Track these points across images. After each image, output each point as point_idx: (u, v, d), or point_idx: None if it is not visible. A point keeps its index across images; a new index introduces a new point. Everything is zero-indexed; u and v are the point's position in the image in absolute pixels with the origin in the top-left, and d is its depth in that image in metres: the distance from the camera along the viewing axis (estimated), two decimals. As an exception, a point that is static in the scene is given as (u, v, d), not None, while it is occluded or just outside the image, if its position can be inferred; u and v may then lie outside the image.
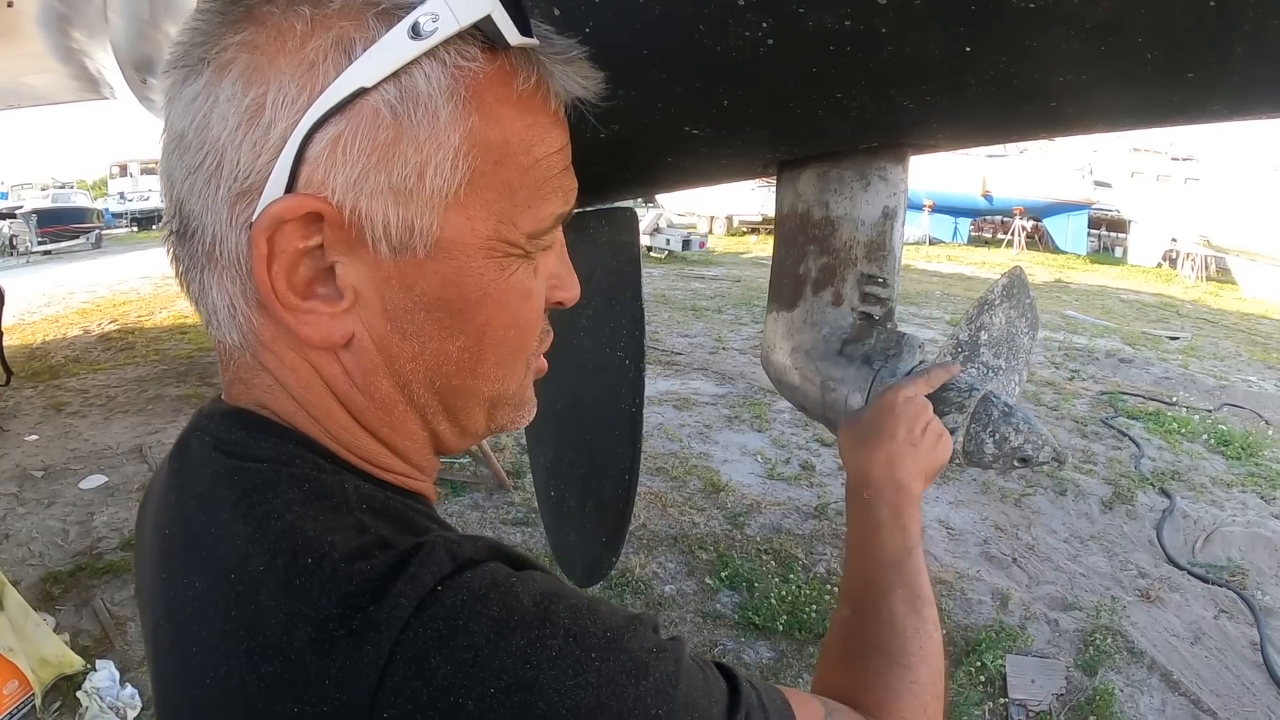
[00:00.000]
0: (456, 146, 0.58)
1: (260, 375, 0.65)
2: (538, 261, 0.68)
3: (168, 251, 0.64)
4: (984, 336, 1.32)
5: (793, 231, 1.39)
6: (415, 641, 0.50)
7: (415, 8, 0.56)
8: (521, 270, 0.65)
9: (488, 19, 0.56)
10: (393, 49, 0.55)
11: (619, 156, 1.39)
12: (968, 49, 0.85)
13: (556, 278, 0.71)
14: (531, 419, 0.76)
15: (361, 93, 0.55)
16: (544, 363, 0.75)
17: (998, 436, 1.19)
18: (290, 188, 0.57)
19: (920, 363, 1.29)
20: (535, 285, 0.68)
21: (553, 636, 0.53)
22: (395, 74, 0.56)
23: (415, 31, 0.55)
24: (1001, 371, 1.35)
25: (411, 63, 0.56)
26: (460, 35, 0.57)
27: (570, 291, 0.73)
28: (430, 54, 0.56)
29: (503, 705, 0.50)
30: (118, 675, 3.72)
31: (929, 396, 1.22)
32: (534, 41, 0.60)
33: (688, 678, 0.58)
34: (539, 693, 0.51)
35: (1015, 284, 1.35)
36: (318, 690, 0.51)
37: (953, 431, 1.21)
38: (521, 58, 0.60)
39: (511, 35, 0.58)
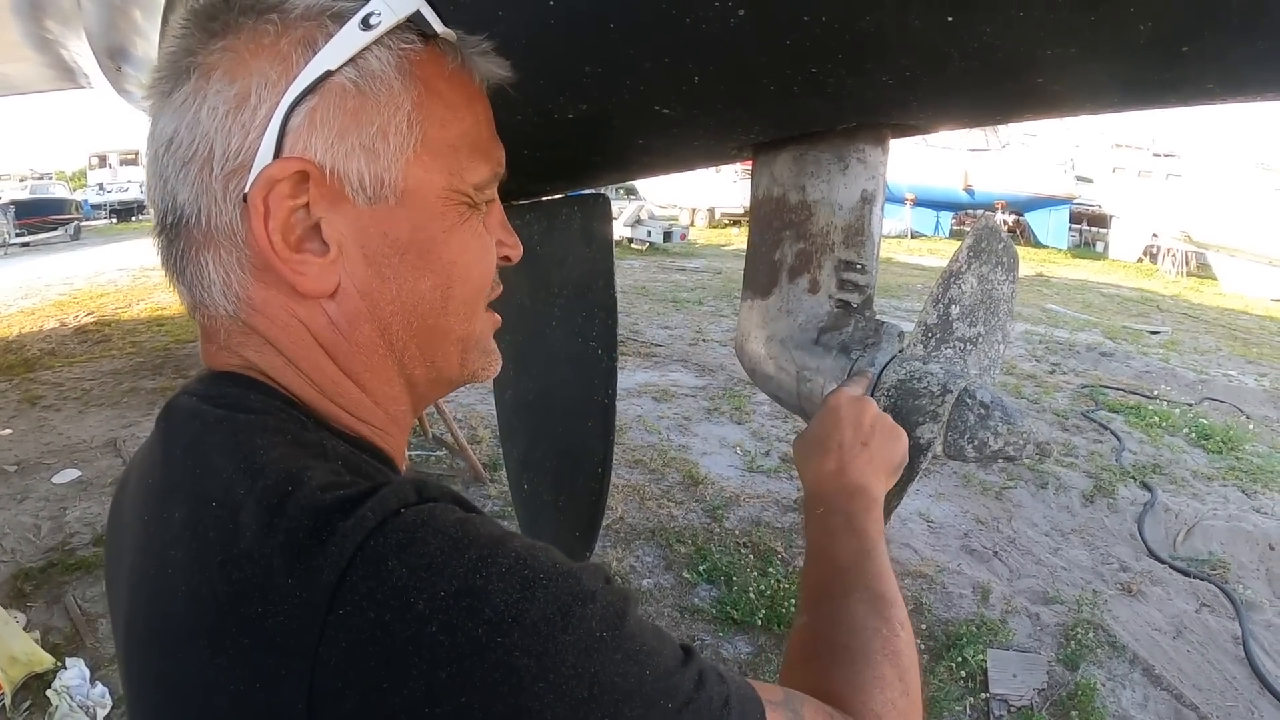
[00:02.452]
0: (410, 111, 0.71)
1: (250, 337, 0.73)
2: (486, 217, 0.80)
3: (159, 249, 0.74)
4: (955, 310, 1.27)
5: (768, 216, 1.35)
6: (375, 548, 0.55)
7: (360, 9, 0.69)
8: (474, 220, 0.78)
9: (417, 14, 0.72)
10: (348, 39, 0.68)
11: (589, 138, 1.35)
12: (949, 19, 0.81)
13: (502, 236, 0.84)
14: (498, 369, 0.87)
15: (328, 74, 0.68)
16: (498, 317, 0.86)
17: (976, 442, 1.16)
18: (277, 158, 0.67)
19: (900, 351, 1.25)
20: (486, 235, 0.80)
21: (504, 556, 0.57)
22: (353, 58, 0.69)
23: (365, 24, 0.69)
24: (981, 339, 1.31)
25: (364, 49, 0.69)
26: (399, 26, 0.71)
27: (515, 249, 0.85)
28: (378, 42, 0.70)
29: (451, 607, 0.54)
30: (88, 674, 3.67)
31: (901, 404, 1.19)
32: (452, 33, 0.75)
33: (636, 620, 0.62)
34: (486, 599, 0.54)
35: (982, 238, 1.30)
36: (281, 590, 0.55)
37: (930, 443, 1.17)
38: (446, 45, 0.76)
39: (436, 25, 0.73)
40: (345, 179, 0.69)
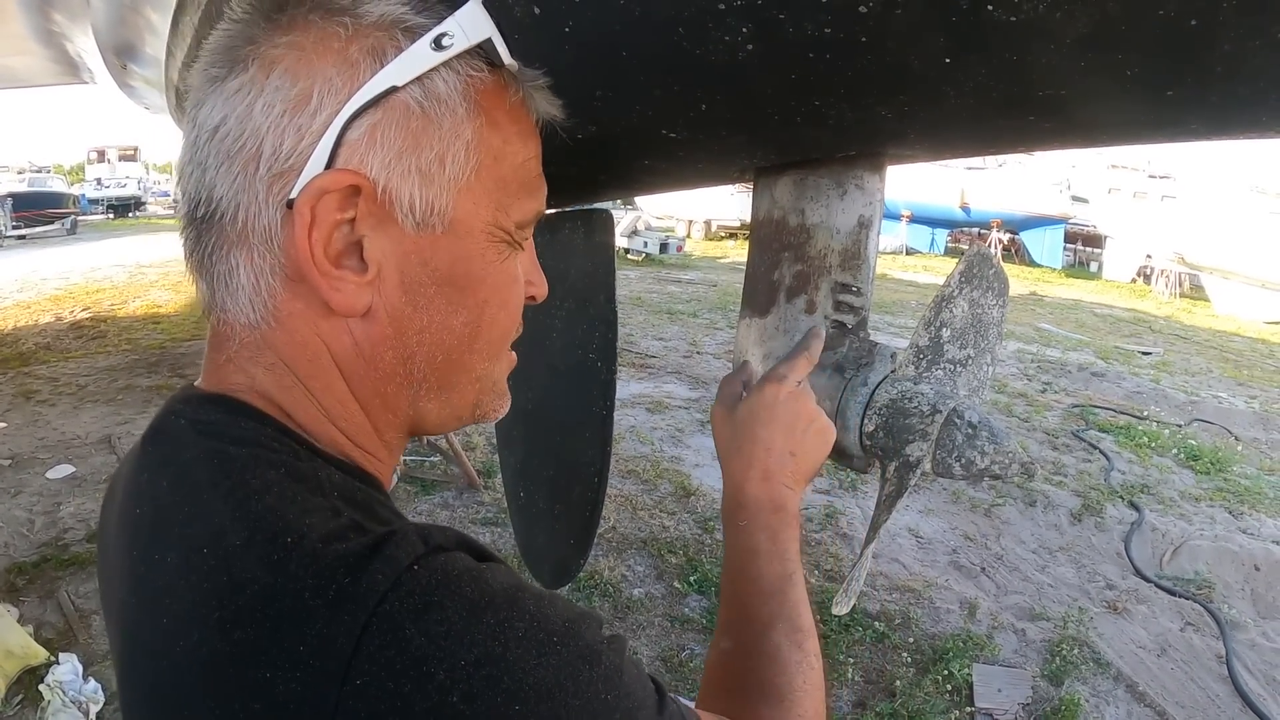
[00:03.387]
0: (469, 140, 0.70)
1: (263, 353, 0.70)
2: (520, 255, 0.79)
3: (185, 240, 0.72)
4: (946, 333, 1.31)
5: (767, 238, 1.38)
6: (391, 613, 0.54)
7: (433, 27, 0.68)
8: (512, 258, 0.77)
9: (489, 41, 0.70)
10: (418, 57, 0.67)
11: (596, 158, 1.38)
12: (947, 60, 0.84)
13: (530, 277, 0.83)
14: (506, 412, 0.85)
15: (393, 90, 0.66)
16: (514, 356, 0.85)
17: (964, 461, 1.19)
18: (329, 167, 0.65)
19: (892, 371, 1.28)
20: (520, 276, 0.80)
21: (520, 619, 0.57)
22: (419, 78, 0.67)
23: (437, 44, 0.67)
24: (971, 360, 1.34)
25: (433, 69, 0.68)
26: (469, 51, 0.69)
27: (541, 289, 0.85)
28: (446, 64, 0.69)
29: (472, 677, 0.53)
30: (81, 669, 3.68)
31: (891, 422, 1.22)
32: (516, 64, 0.74)
33: (629, 670, 0.63)
34: (506, 668, 0.54)
35: (975, 264, 1.33)
36: (292, 657, 0.53)
37: (918, 461, 1.19)
38: (510, 77, 0.74)
39: (505, 57, 0.72)
40: (397, 200, 0.67)
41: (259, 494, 0.61)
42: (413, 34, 0.68)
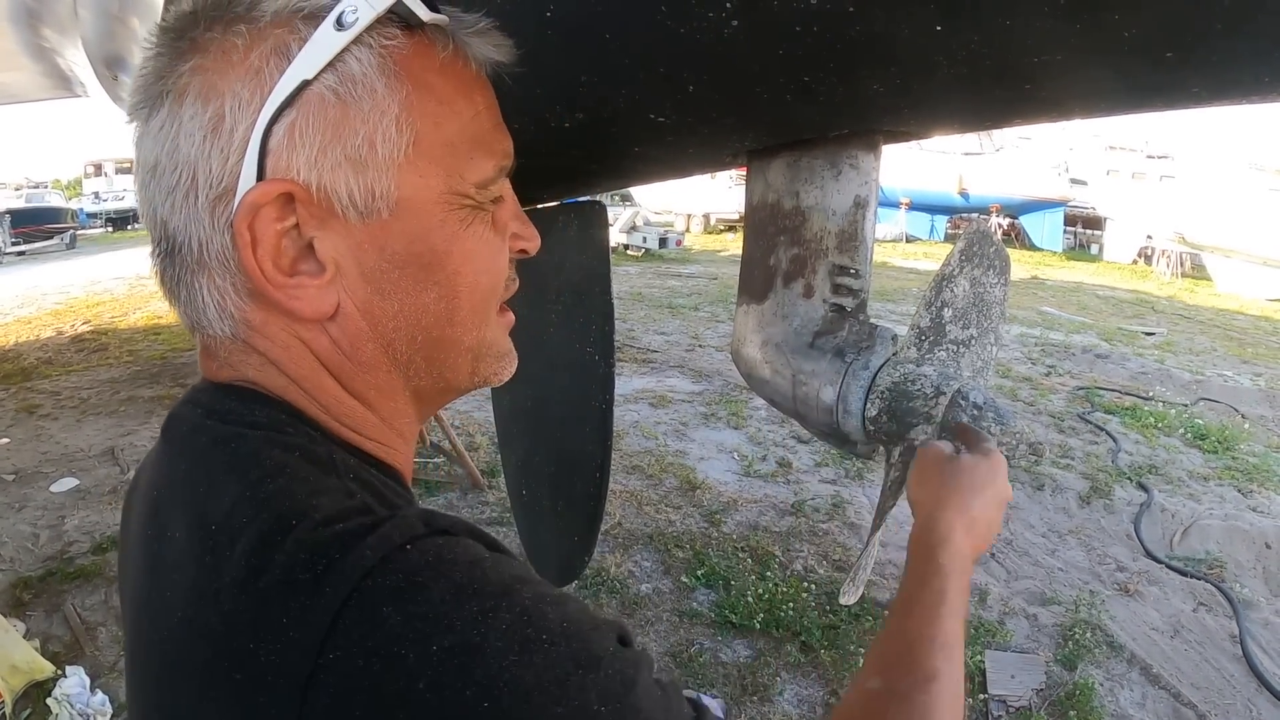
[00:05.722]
0: (397, 114, 0.66)
1: (251, 356, 0.70)
2: (494, 214, 0.75)
3: (155, 272, 0.71)
4: (948, 313, 1.28)
5: (763, 222, 1.36)
6: (372, 590, 0.53)
7: (335, 6, 0.64)
8: (479, 222, 0.73)
9: (398, 2, 0.65)
10: (324, 43, 0.63)
11: (585, 147, 1.37)
12: (938, 27, 0.82)
13: (517, 229, 0.79)
14: (514, 370, 0.83)
15: (305, 84, 0.63)
16: (512, 316, 0.82)
17: None
18: (260, 179, 0.63)
19: (894, 354, 1.26)
20: (495, 236, 0.75)
21: (507, 611, 0.54)
22: (331, 63, 0.63)
23: (340, 23, 0.63)
24: (974, 341, 1.32)
25: (342, 51, 0.64)
26: (379, 20, 0.64)
27: (531, 240, 0.80)
28: (357, 41, 0.64)
29: (443, 664, 0.51)
30: (88, 681, 3.65)
31: (895, 406, 1.20)
32: (443, 18, 0.69)
33: (645, 690, 0.58)
34: (480, 659, 0.52)
35: (975, 242, 1.31)
36: (274, 628, 0.53)
37: (923, 443, 1.17)
38: (436, 32, 0.69)
39: (422, 13, 0.66)
40: (334, 195, 0.65)
41: (272, 475, 0.61)
42: (314, 19, 0.64)
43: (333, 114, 0.64)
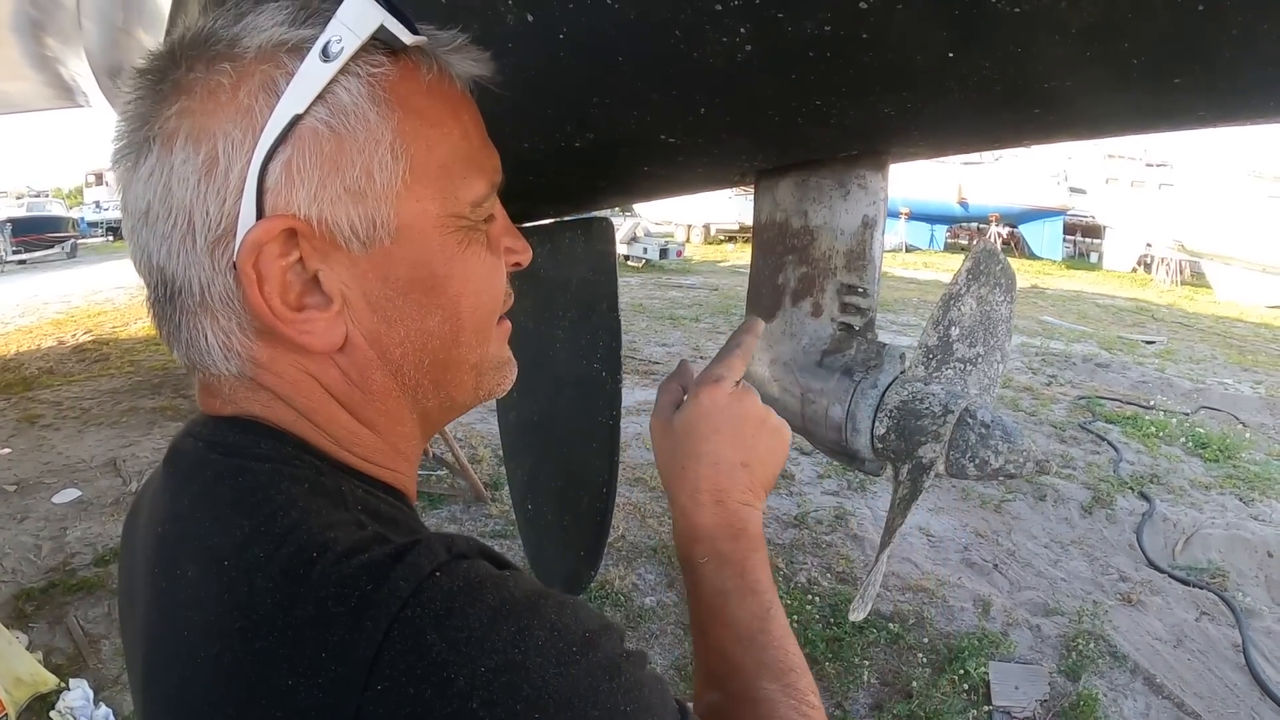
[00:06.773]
0: (391, 141, 0.66)
1: (259, 393, 0.70)
2: (488, 233, 0.76)
3: (152, 317, 0.71)
4: (955, 332, 1.29)
5: (771, 241, 1.37)
6: (413, 619, 0.54)
7: (319, 37, 0.64)
8: (475, 243, 0.74)
9: (381, 28, 0.64)
10: (311, 75, 0.63)
11: (594, 166, 1.37)
12: (950, 55, 0.83)
13: (509, 244, 0.80)
14: (515, 378, 0.84)
15: (297, 119, 0.63)
16: (507, 324, 0.83)
17: (978, 461, 1.17)
18: (260, 217, 0.63)
19: (902, 372, 1.27)
20: (491, 255, 0.76)
21: (540, 628, 0.56)
22: (320, 95, 0.63)
23: (325, 54, 0.63)
24: (981, 359, 1.32)
25: (331, 82, 0.64)
26: (364, 48, 0.64)
27: (523, 254, 0.82)
28: (344, 70, 0.64)
29: (492, 683, 0.53)
30: (91, 694, 3.66)
31: (904, 424, 1.20)
32: (424, 39, 0.68)
33: (650, 684, 0.61)
34: (526, 676, 0.54)
35: (982, 261, 1.32)
36: (314, 663, 0.53)
37: (931, 463, 1.18)
38: (419, 54, 0.69)
39: (405, 37, 0.66)
40: (335, 228, 0.65)
41: (283, 509, 0.61)
42: (299, 52, 0.64)
43: (328, 147, 0.64)
